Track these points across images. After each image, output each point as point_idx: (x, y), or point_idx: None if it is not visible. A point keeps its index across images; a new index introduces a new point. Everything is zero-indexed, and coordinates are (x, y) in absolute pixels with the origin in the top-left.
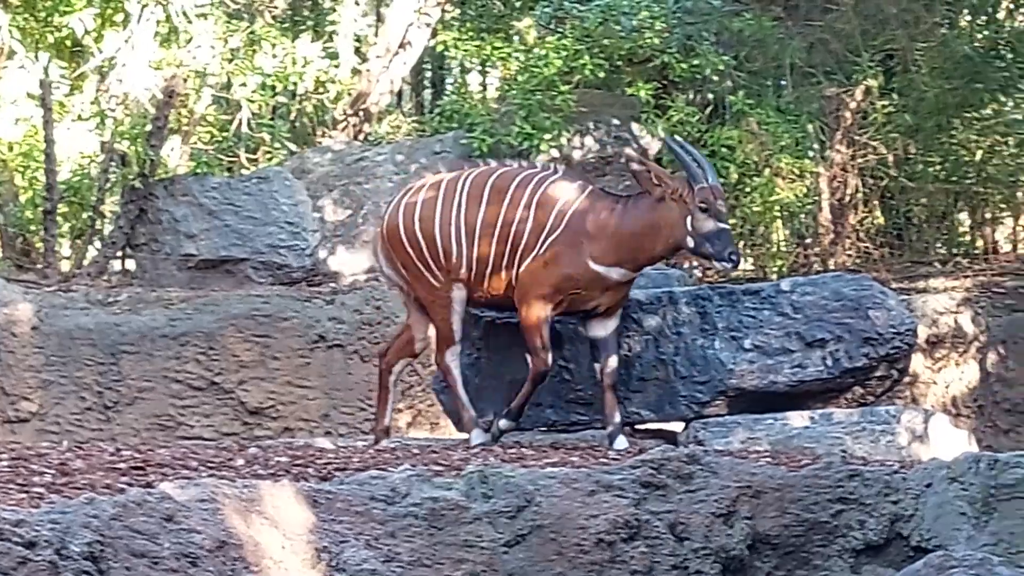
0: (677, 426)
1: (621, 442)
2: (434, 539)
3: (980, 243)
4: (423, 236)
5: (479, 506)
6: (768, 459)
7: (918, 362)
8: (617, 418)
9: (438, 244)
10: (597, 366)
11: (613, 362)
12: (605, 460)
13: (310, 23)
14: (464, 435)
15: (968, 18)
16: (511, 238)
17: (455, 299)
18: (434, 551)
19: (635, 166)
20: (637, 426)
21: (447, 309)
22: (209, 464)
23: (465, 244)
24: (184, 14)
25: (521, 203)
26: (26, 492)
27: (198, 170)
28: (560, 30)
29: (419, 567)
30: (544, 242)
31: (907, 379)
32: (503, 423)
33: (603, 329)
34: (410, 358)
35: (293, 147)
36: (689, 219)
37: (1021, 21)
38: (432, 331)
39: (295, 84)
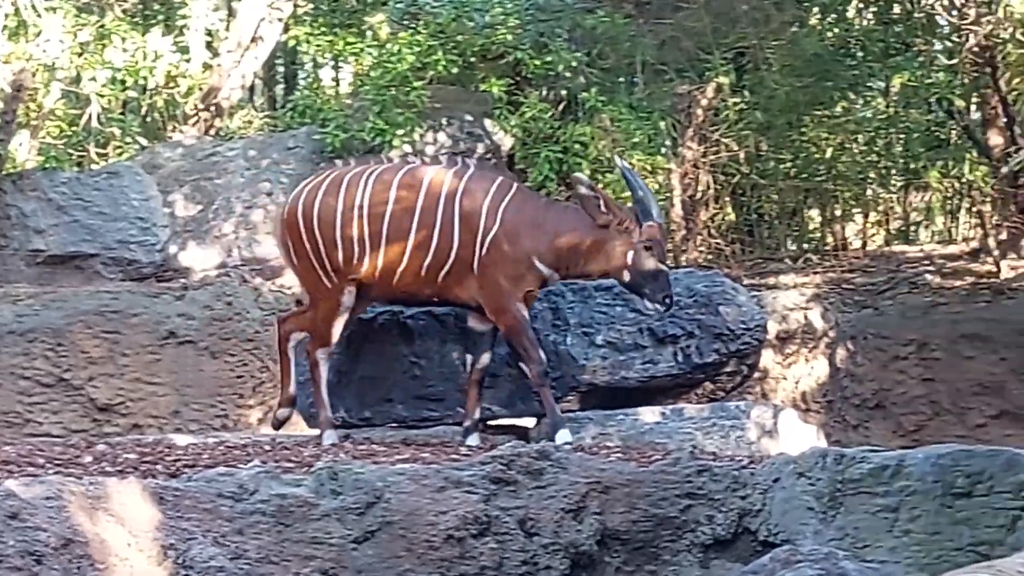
0: (529, 422)
1: (474, 439)
2: (282, 536)
3: (830, 240)
4: (321, 230)
5: (328, 503)
6: (619, 455)
7: (768, 358)
8: (477, 414)
9: (337, 240)
10: (469, 358)
11: (486, 359)
12: (456, 456)
13: (161, 17)
14: (316, 431)
15: (818, 16)
16: (432, 234)
17: (343, 303)
18: (282, 548)
19: (583, 190)
20: (489, 422)
21: (333, 312)
22: (56, 461)
23: (369, 240)
24: (33, 7)
25: (441, 198)
26: None
27: (47, 165)
28: (413, 26)
29: (267, 564)
30: (480, 240)
31: (757, 375)
32: (559, 436)
33: (483, 324)
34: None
35: (144, 142)
36: (631, 254)
37: (870, 20)
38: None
39: (146, 78)
